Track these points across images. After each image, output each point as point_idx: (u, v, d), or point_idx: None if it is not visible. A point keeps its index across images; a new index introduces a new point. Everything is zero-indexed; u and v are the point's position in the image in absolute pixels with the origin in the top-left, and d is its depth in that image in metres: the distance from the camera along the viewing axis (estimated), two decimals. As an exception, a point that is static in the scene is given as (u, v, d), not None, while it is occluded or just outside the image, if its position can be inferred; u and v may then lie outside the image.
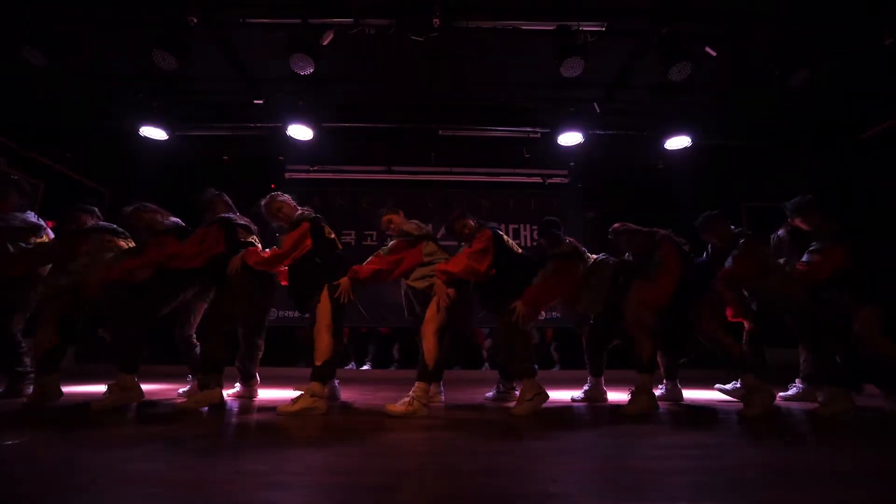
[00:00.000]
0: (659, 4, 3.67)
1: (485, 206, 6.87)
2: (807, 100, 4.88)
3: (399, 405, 2.49)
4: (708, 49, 3.87)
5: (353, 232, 6.67)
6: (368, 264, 2.88)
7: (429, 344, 2.59)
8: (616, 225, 3.34)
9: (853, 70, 4.38)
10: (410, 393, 2.53)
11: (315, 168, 6.58)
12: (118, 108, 5.02)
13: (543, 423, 2.35)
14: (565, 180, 6.80)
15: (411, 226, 3.07)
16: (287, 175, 6.60)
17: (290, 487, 1.19)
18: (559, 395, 3.69)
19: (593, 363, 3.40)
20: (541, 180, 6.80)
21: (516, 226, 6.83)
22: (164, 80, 4.46)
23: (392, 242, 3.04)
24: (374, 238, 6.67)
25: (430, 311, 2.64)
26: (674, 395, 3.37)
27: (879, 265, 3.08)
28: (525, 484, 1.25)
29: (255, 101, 5.00)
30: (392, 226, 3.23)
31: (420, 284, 2.87)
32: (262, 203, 3.15)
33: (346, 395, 3.56)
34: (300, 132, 5.06)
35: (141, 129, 4.98)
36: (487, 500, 1.12)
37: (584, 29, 3.76)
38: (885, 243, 4.83)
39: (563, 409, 2.92)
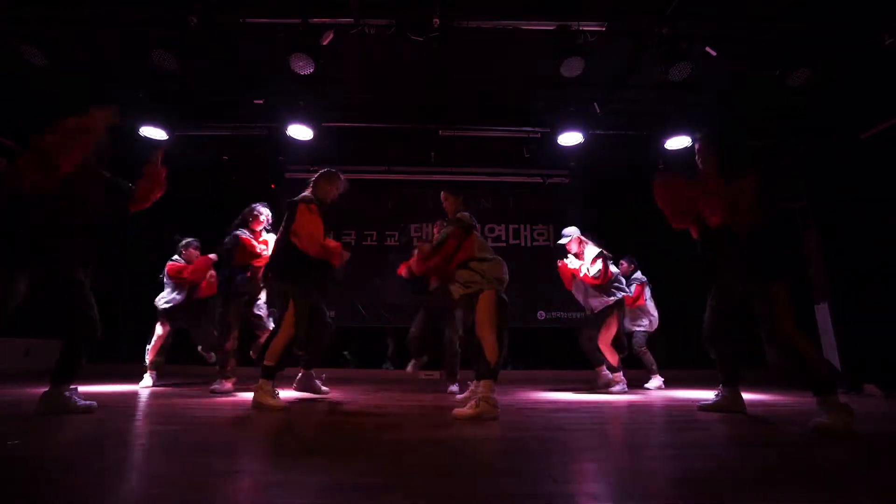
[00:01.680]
0: (659, 4, 3.67)
1: (485, 206, 6.87)
2: (807, 100, 4.87)
3: (466, 409, 2.40)
4: (708, 49, 3.87)
5: (352, 232, 6.67)
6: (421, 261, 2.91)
7: (489, 343, 2.51)
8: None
9: (853, 70, 4.38)
10: (478, 393, 2.44)
11: (315, 168, 6.57)
12: (118, 108, 5.01)
13: (544, 423, 2.35)
14: (565, 180, 6.80)
15: (465, 214, 3.09)
16: (287, 175, 6.60)
17: (290, 487, 1.19)
18: (558, 396, 3.69)
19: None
20: (541, 180, 6.80)
21: (516, 226, 6.83)
22: (164, 80, 4.45)
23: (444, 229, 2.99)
24: (374, 238, 6.68)
25: (485, 313, 2.58)
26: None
27: (883, 265, 3.00)
28: (525, 484, 1.25)
29: (256, 102, 5.00)
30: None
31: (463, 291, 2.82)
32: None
33: (346, 394, 3.56)
34: (300, 132, 5.06)
35: (141, 129, 4.98)
36: (487, 499, 1.12)
37: (584, 29, 3.76)
38: (886, 243, 4.83)
39: (563, 410, 2.91)
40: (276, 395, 2.75)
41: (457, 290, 2.83)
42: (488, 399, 2.37)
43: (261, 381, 2.73)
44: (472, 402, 2.42)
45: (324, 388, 3.51)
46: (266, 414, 2.51)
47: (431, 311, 4.11)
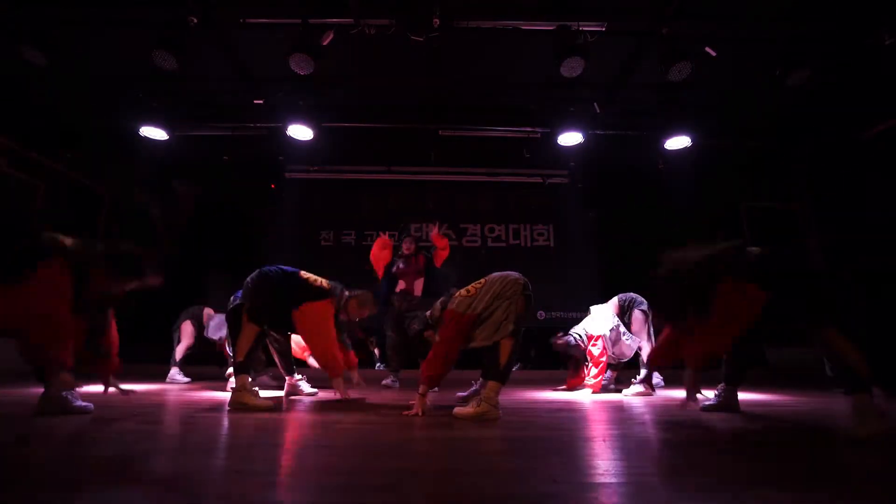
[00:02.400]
0: (659, 4, 3.67)
1: (485, 206, 6.88)
2: (807, 100, 4.88)
3: (468, 408, 2.38)
4: (708, 49, 3.88)
5: (353, 232, 6.67)
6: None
7: (505, 348, 2.44)
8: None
9: (853, 70, 4.38)
10: (481, 393, 2.40)
11: (315, 168, 6.58)
12: (118, 108, 5.02)
13: (544, 423, 2.35)
14: (565, 180, 6.80)
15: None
16: (287, 175, 6.61)
17: (290, 487, 1.19)
18: (558, 396, 3.69)
19: None
20: (541, 180, 6.81)
21: (516, 226, 6.83)
22: (164, 80, 4.47)
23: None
24: (374, 238, 6.67)
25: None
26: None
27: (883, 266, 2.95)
28: (525, 484, 1.25)
29: (256, 102, 5.01)
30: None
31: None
32: None
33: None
34: (300, 132, 5.06)
35: (141, 129, 4.98)
36: (487, 500, 1.12)
37: (584, 29, 3.76)
38: (886, 244, 4.84)
39: (563, 410, 2.91)
40: (256, 394, 2.71)
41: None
42: (490, 400, 2.36)
43: (236, 378, 2.70)
44: (474, 401, 2.41)
45: (309, 388, 3.54)
46: (265, 414, 2.51)
47: (400, 310, 4.33)
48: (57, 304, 2.07)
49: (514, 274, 2.61)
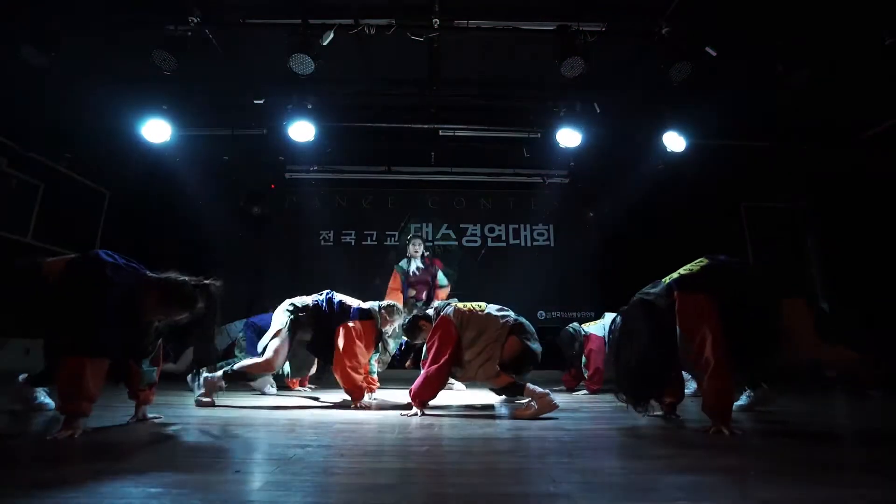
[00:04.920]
0: (659, 4, 3.67)
1: (485, 206, 6.87)
2: (807, 100, 4.87)
3: (525, 409, 2.49)
4: (708, 49, 3.88)
5: (352, 232, 6.67)
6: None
7: (503, 385, 2.62)
8: None
9: (853, 70, 4.37)
10: (527, 398, 2.55)
11: (315, 168, 6.58)
12: (118, 108, 5.02)
13: (543, 424, 2.35)
14: (565, 180, 6.80)
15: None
16: (287, 175, 6.61)
17: (291, 487, 1.19)
18: (558, 396, 3.69)
19: None
20: (541, 180, 6.80)
21: (516, 226, 6.83)
22: (165, 80, 4.47)
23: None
24: (374, 238, 6.67)
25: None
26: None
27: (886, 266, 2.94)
28: (525, 484, 1.25)
29: (256, 101, 5.00)
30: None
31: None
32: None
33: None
34: (300, 132, 5.06)
35: (141, 129, 4.98)
36: (487, 500, 1.12)
37: (584, 29, 3.77)
38: (886, 244, 4.84)
39: (563, 410, 2.91)
40: (209, 396, 2.76)
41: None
42: (536, 393, 2.47)
43: (216, 376, 2.79)
44: (530, 402, 2.51)
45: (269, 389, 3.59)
46: (263, 414, 2.52)
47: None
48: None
49: (506, 313, 2.74)
